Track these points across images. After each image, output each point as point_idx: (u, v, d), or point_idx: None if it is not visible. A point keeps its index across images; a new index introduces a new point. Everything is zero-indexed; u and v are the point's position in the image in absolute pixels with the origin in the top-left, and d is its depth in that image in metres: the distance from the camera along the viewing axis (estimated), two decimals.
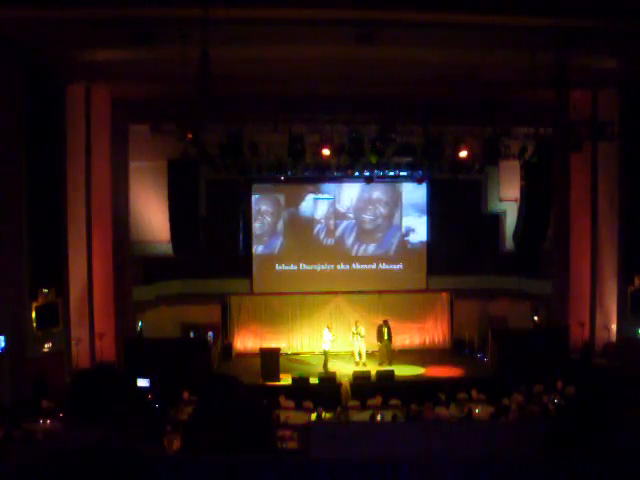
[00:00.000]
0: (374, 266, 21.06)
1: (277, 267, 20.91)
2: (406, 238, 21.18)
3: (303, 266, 20.90)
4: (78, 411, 2.44)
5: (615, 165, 17.50)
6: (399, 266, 21.16)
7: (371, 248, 21.09)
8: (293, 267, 20.91)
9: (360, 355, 18.63)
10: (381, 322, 18.95)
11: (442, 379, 17.15)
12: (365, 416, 13.14)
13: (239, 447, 2.30)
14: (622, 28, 13.32)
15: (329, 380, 16.29)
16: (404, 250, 21.17)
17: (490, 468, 2.17)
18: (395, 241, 21.16)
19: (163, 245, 18.60)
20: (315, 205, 20.84)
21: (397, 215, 21.11)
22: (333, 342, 18.66)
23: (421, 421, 12.23)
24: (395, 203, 21.07)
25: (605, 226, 18.09)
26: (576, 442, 2.32)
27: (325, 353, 18.33)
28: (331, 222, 20.95)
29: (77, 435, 2.31)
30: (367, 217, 21.02)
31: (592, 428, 2.33)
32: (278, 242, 20.91)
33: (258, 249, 20.91)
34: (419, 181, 19.93)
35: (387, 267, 21.12)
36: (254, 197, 20.75)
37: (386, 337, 18.65)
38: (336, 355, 19.04)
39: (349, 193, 20.83)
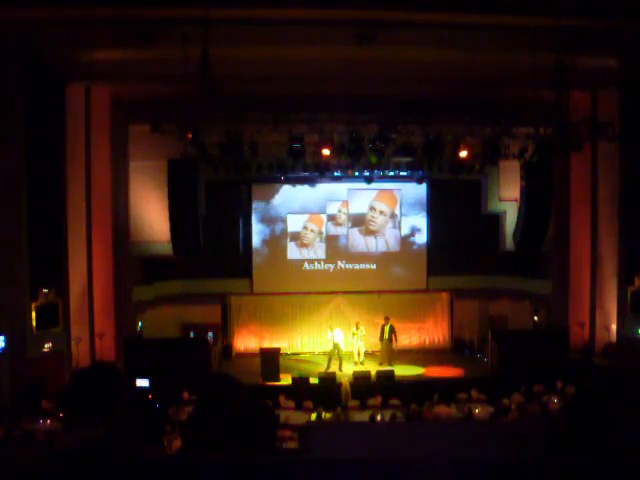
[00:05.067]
0: (374, 266, 21.06)
1: (277, 267, 20.90)
2: (406, 238, 21.17)
3: (303, 266, 20.90)
4: (76, 410, 2.43)
5: (615, 165, 17.50)
6: (399, 266, 21.16)
7: (371, 248, 21.06)
8: (293, 267, 20.90)
9: (359, 354, 18.71)
10: (383, 320, 19.00)
11: (442, 379, 17.15)
12: (365, 416, 13.14)
13: (239, 447, 2.30)
14: (622, 28, 13.32)
15: (329, 380, 16.28)
16: (404, 250, 21.16)
17: (490, 468, 2.17)
18: (395, 241, 21.15)
19: (163, 245, 18.59)
20: (315, 205, 20.81)
21: (397, 215, 21.10)
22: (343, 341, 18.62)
23: (421, 421, 12.23)
24: (395, 203, 21.06)
25: (605, 226, 18.09)
26: (576, 442, 2.32)
27: (330, 353, 18.27)
28: (331, 222, 20.94)
29: (77, 435, 2.31)
30: (367, 217, 21.00)
31: (592, 428, 2.33)
32: (278, 242, 20.90)
33: (258, 249, 20.91)
34: (419, 181, 19.95)
35: (387, 267, 21.12)
36: (254, 197, 20.75)
37: (386, 336, 18.67)
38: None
39: (349, 193, 20.79)
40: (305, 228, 20.87)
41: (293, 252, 20.90)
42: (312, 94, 16.11)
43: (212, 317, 20.46)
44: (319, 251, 20.95)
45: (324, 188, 20.41)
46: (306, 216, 20.82)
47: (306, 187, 19.68)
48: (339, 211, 20.90)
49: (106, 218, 17.47)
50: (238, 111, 14.57)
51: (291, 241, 20.87)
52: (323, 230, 20.92)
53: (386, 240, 21.14)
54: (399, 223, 21.14)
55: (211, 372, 16.96)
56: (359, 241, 21.02)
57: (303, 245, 20.89)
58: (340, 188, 20.53)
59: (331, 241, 20.96)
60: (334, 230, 20.95)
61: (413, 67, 15.18)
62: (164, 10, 12.46)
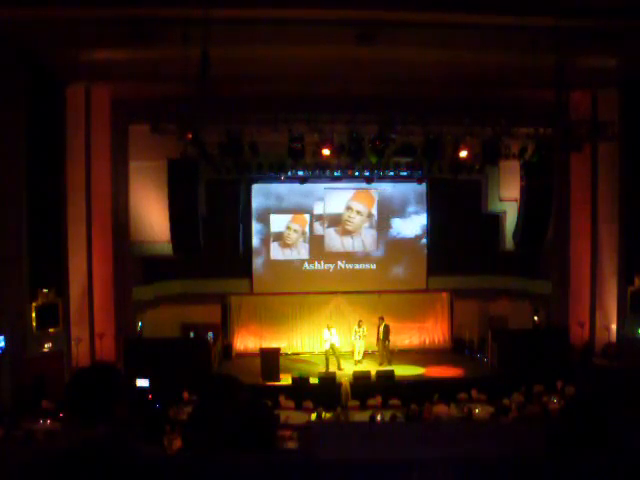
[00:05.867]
0: (374, 266, 21.04)
1: (277, 267, 20.89)
2: (406, 238, 21.16)
3: (303, 266, 20.88)
4: (76, 410, 2.43)
5: (615, 165, 17.50)
6: (399, 266, 21.15)
7: (371, 248, 21.05)
8: (293, 267, 20.89)
9: (358, 353, 18.75)
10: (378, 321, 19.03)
11: (442, 379, 17.15)
12: (365, 416, 13.14)
13: (239, 447, 2.30)
14: (622, 28, 13.32)
15: (329, 380, 16.28)
16: (404, 250, 21.15)
17: (489, 468, 2.17)
18: (395, 241, 21.13)
19: (163, 245, 18.59)
20: (315, 205, 20.80)
21: (397, 215, 21.08)
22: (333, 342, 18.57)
23: (421, 421, 12.23)
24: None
25: (605, 226, 18.09)
26: (577, 442, 2.32)
27: (327, 352, 18.26)
28: (331, 222, 20.92)
29: (77, 435, 2.31)
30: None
31: (592, 428, 2.33)
32: (278, 242, 20.89)
33: (258, 249, 20.89)
34: (419, 181, 19.94)
35: (387, 267, 21.11)
36: (254, 197, 20.74)
37: (381, 336, 18.68)
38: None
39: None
40: (288, 228, 20.81)
41: (276, 252, 20.83)
42: (312, 94, 16.11)
43: (212, 317, 20.45)
44: (302, 251, 20.87)
45: (311, 188, 20.17)
46: (289, 216, 20.76)
47: (294, 187, 19.62)
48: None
49: (106, 218, 17.46)
50: (238, 111, 14.57)
51: (274, 241, 20.82)
52: (306, 230, 20.87)
53: (362, 240, 21.04)
54: (376, 223, 21.00)
55: (212, 372, 16.96)
56: (335, 241, 20.92)
57: (286, 245, 20.83)
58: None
59: (317, 241, 20.87)
60: (321, 230, 20.89)
61: (413, 67, 15.17)
62: (164, 10, 12.48)
